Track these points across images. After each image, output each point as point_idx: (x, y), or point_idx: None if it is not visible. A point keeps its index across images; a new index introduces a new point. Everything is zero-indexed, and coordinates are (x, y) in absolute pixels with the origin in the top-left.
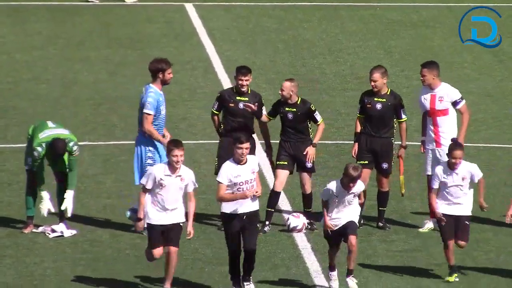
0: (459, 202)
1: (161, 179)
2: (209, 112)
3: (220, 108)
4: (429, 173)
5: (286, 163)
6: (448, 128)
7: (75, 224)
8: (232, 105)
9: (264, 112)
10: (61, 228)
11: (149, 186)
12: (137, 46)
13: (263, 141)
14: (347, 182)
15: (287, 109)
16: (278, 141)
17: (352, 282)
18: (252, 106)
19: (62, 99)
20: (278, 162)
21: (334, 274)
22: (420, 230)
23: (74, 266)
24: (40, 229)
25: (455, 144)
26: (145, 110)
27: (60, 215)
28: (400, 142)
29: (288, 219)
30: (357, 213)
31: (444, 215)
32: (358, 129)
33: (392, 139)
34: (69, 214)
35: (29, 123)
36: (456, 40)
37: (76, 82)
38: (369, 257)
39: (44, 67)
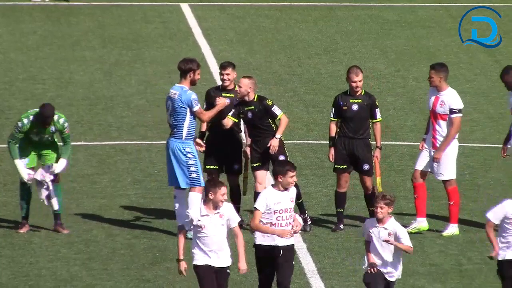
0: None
1: (199, 220)
2: None
3: (208, 106)
4: (418, 167)
5: (259, 164)
6: (445, 133)
7: (70, 224)
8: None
9: (230, 113)
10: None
11: (188, 227)
12: (132, 46)
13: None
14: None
15: (246, 108)
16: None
17: None
18: (225, 101)
19: (57, 99)
20: (252, 165)
21: None
22: (409, 229)
23: (70, 266)
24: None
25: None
26: (196, 107)
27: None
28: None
29: None
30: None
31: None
32: (333, 133)
33: (369, 140)
34: (56, 170)
35: None
36: (452, 40)
37: (72, 82)
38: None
39: (40, 67)
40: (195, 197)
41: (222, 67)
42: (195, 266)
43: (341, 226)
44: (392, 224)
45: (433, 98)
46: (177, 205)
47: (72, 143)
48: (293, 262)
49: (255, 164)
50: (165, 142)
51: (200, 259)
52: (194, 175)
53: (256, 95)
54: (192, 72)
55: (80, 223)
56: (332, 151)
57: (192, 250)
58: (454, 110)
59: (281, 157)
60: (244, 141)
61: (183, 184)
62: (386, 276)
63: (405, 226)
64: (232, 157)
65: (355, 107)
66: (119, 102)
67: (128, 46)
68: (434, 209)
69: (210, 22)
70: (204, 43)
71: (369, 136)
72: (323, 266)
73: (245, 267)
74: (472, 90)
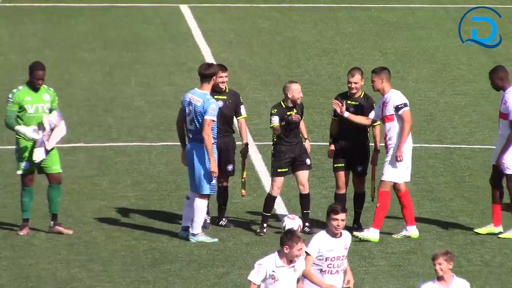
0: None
1: (273, 271)
2: None
3: None
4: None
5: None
6: (394, 134)
7: (70, 226)
8: None
9: (244, 112)
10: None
11: (258, 281)
12: (132, 47)
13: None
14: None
15: (289, 113)
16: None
17: None
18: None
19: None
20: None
21: None
22: (395, 236)
23: (70, 267)
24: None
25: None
26: (209, 117)
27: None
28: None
29: (283, 221)
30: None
31: None
32: (334, 131)
33: (368, 142)
34: (54, 120)
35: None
36: (452, 41)
37: (72, 84)
38: (364, 258)
39: None
40: (202, 204)
41: (222, 70)
42: None
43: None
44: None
45: (381, 103)
46: (188, 206)
47: (72, 145)
48: None
49: (284, 170)
50: (165, 143)
51: None
52: (213, 181)
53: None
54: (215, 77)
55: (80, 225)
56: (332, 147)
57: None
58: (399, 106)
59: (308, 160)
60: (242, 142)
61: (206, 190)
62: None
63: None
64: (226, 158)
65: (352, 109)
66: (119, 103)
67: (128, 47)
68: (433, 210)
69: (209, 24)
70: (204, 44)
71: (367, 138)
72: None
73: None
74: (471, 91)
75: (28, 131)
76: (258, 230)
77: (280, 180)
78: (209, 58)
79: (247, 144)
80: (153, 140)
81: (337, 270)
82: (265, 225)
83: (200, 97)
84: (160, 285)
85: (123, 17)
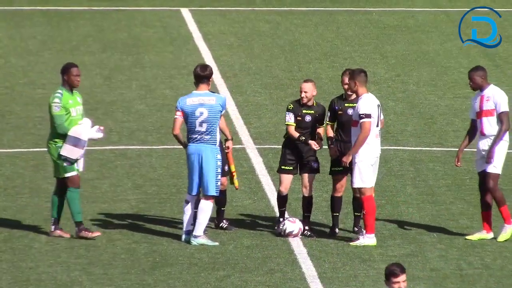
0: None
1: None
2: None
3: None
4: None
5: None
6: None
7: (71, 229)
8: None
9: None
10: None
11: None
12: (132, 50)
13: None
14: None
15: (304, 111)
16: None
17: None
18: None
19: None
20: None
21: None
22: (352, 244)
23: (70, 270)
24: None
25: None
26: (223, 112)
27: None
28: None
29: (284, 224)
30: None
31: None
32: (330, 133)
33: None
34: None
35: (24, 127)
36: (452, 44)
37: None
38: (365, 261)
39: (40, 72)
40: (208, 206)
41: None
42: None
43: (336, 230)
44: None
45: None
46: (188, 210)
47: None
48: None
49: (287, 168)
50: (165, 147)
51: None
52: (218, 183)
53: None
54: (212, 77)
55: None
56: (334, 149)
57: None
58: (361, 115)
59: (315, 164)
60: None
61: (213, 192)
62: None
63: (408, 231)
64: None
65: (350, 111)
66: (119, 107)
67: (128, 50)
68: (434, 213)
69: (210, 27)
70: (204, 48)
71: None
72: (324, 270)
73: None
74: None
75: (89, 131)
76: (276, 227)
77: (284, 177)
78: (210, 62)
79: (232, 139)
80: (153, 143)
81: None
82: (281, 219)
83: (210, 96)
84: None
85: (123, 20)
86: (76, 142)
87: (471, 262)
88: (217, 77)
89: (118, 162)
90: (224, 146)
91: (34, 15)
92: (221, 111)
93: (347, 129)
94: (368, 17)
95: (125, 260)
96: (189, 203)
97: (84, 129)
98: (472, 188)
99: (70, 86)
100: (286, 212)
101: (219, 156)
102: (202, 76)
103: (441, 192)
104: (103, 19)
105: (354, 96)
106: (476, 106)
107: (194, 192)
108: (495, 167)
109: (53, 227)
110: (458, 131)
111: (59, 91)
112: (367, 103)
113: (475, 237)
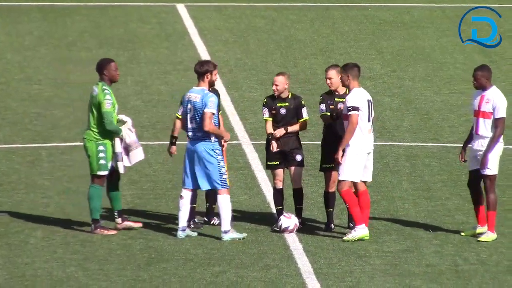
0: None
1: None
2: None
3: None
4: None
5: (278, 162)
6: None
7: (67, 224)
8: None
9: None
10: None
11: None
12: (128, 46)
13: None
14: None
15: (279, 105)
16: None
17: None
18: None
19: (54, 99)
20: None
21: None
22: (345, 238)
23: (66, 266)
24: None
25: None
26: (209, 109)
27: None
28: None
29: (279, 219)
30: None
31: None
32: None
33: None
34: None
35: (20, 123)
36: (448, 40)
37: (68, 82)
38: (360, 257)
39: (36, 67)
40: (225, 200)
41: (215, 68)
42: None
43: (332, 226)
44: None
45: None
46: (183, 206)
47: (69, 144)
48: None
49: (274, 163)
50: (161, 142)
51: None
52: (224, 176)
53: (290, 92)
54: (209, 74)
55: (76, 224)
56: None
57: None
58: (349, 108)
59: (298, 157)
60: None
61: (211, 186)
62: None
63: (404, 227)
64: None
65: (340, 105)
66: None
67: (124, 46)
68: (430, 209)
69: (206, 23)
70: (200, 43)
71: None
72: (319, 266)
73: None
74: (468, 90)
75: (132, 136)
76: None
77: (275, 173)
78: (205, 57)
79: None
80: (149, 139)
81: None
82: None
83: (199, 93)
84: (156, 284)
85: (119, 16)
86: (138, 144)
87: (466, 258)
88: None
89: None
90: None
91: (31, 11)
92: (203, 109)
93: (339, 124)
94: (364, 13)
95: (121, 256)
96: (184, 198)
97: (134, 136)
98: None
99: (111, 81)
100: (283, 210)
101: (218, 151)
102: (198, 72)
103: (437, 187)
104: (100, 15)
105: (342, 91)
106: (475, 104)
107: (187, 186)
108: (490, 169)
109: (119, 219)
110: (454, 127)
111: (105, 87)
112: (356, 97)
113: (469, 233)
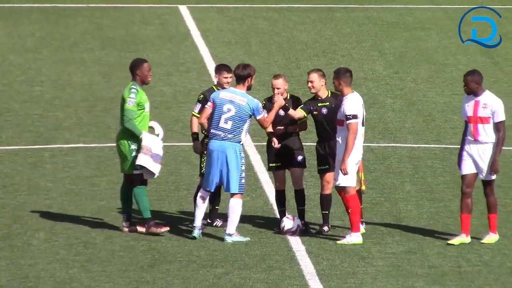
0: None
1: None
2: None
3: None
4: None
5: (280, 164)
6: (343, 140)
7: (69, 226)
8: None
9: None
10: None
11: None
12: (131, 48)
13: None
14: None
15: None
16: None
17: None
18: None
19: (56, 101)
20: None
21: None
22: (339, 242)
23: (68, 268)
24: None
25: None
26: (259, 117)
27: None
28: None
29: (282, 221)
30: None
31: None
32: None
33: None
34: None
35: (23, 125)
36: (450, 41)
37: (70, 84)
38: (363, 259)
39: (38, 69)
40: (238, 204)
41: (227, 70)
42: None
43: (325, 228)
44: None
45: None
46: (202, 205)
47: (71, 145)
48: None
49: (275, 164)
50: (164, 144)
51: None
52: (243, 181)
53: (288, 93)
54: (250, 78)
55: (79, 225)
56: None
57: None
58: (348, 116)
59: (299, 158)
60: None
61: (236, 189)
62: None
63: (407, 228)
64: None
65: (324, 110)
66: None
67: (126, 48)
68: (432, 210)
69: (208, 24)
70: (202, 45)
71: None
72: (322, 268)
73: None
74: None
75: (155, 141)
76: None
77: (276, 174)
78: (208, 59)
79: None
80: None
81: None
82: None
83: (243, 96)
84: (159, 285)
85: (121, 17)
86: (158, 158)
87: (469, 259)
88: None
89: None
90: (204, 143)
91: (32, 13)
92: (250, 115)
93: (325, 128)
94: (366, 14)
95: (124, 257)
96: (204, 199)
97: (160, 142)
98: None
99: (142, 82)
100: (286, 212)
101: (242, 154)
102: (239, 76)
103: (440, 189)
104: (102, 16)
105: (324, 95)
106: (469, 110)
107: (210, 188)
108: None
109: (125, 223)
110: (456, 128)
111: (134, 87)
112: (353, 104)
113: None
